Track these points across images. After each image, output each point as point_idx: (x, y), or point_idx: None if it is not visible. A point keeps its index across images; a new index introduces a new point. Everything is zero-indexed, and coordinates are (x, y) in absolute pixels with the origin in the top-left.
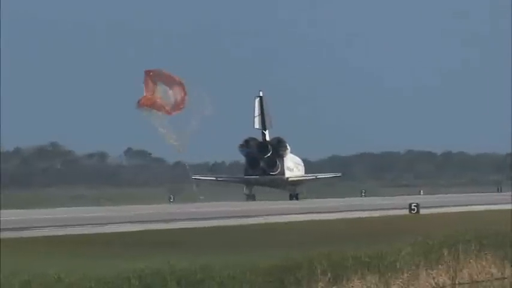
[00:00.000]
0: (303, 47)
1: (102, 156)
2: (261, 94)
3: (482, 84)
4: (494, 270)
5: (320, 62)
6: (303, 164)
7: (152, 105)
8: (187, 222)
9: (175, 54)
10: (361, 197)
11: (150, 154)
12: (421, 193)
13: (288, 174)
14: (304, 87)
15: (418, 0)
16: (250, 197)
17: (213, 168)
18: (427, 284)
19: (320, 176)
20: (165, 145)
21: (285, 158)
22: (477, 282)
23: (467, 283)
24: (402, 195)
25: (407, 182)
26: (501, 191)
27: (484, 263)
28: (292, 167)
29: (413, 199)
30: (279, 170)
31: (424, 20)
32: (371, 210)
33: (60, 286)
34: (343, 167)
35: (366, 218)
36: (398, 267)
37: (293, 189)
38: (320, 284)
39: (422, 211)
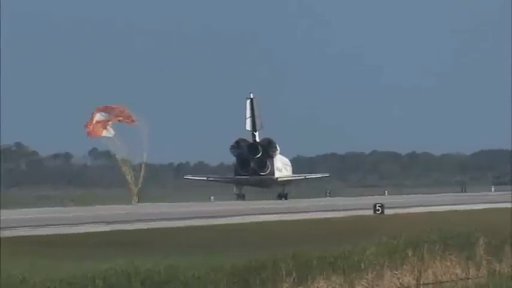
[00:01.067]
0: (297, 49)
1: (67, 156)
2: (251, 96)
3: (450, 86)
4: (458, 271)
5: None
6: (290, 164)
7: (102, 127)
8: (152, 223)
9: (168, 56)
10: (326, 197)
11: (115, 155)
12: (386, 193)
13: (277, 174)
14: (278, 87)
15: None
16: (240, 197)
17: (178, 169)
18: (391, 284)
19: (309, 176)
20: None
21: (274, 159)
22: (442, 282)
23: (431, 283)
24: (367, 195)
25: (372, 182)
26: (465, 191)
27: (448, 264)
28: (281, 167)
29: (377, 199)
30: (269, 170)
31: (411, 17)
32: (336, 210)
33: (25, 287)
34: (308, 168)
35: (331, 218)
36: (363, 267)
37: (282, 189)
38: (285, 284)
39: (387, 211)
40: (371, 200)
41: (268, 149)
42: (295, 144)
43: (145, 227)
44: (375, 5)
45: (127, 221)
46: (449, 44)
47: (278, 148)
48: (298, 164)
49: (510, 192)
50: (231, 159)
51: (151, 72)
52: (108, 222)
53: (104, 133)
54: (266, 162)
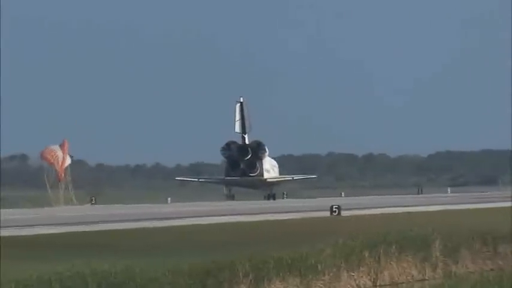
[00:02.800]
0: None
1: (23, 158)
2: (241, 100)
3: (405, 87)
4: (414, 272)
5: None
6: (277, 166)
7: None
8: (108, 225)
9: (159, 59)
10: (282, 199)
11: (72, 156)
12: (343, 195)
13: (266, 175)
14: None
15: None
16: (230, 197)
17: (134, 170)
18: (348, 285)
19: (296, 177)
20: (87, 147)
21: (263, 160)
22: (398, 283)
23: (388, 285)
24: (324, 197)
25: (328, 184)
26: (421, 193)
27: (404, 265)
28: (270, 168)
29: (334, 201)
30: (258, 171)
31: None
32: (293, 212)
33: None
34: None
35: (287, 220)
36: (319, 269)
37: (270, 190)
38: (242, 285)
39: (344, 213)
40: (328, 201)
41: (257, 151)
42: None
43: (102, 229)
44: (367, 4)
45: (83, 223)
46: (420, 48)
47: (267, 150)
48: None
49: (466, 193)
50: (187, 161)
51: (135, 74)
52: (65, 224)
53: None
54: (255, 164)
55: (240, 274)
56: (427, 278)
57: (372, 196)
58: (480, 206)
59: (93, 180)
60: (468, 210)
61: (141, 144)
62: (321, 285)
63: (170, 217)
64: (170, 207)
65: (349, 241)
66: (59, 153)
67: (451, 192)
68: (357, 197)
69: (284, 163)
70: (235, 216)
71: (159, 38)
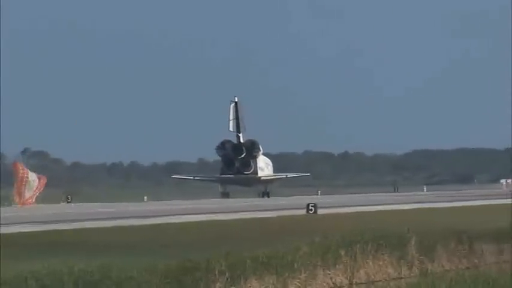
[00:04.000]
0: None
1: None
2: (236, 99)
3: (383, 87)
4: (391, 271)
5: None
6: (271, 164)
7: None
8: (84, 223)
9: (153, 59)
10: (258, 197)
11: (48, 155)
12: (319, 193)
13: (260, 173)
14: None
15: None
16: (225, 195)
17: (110, 169)
18: (324, 284)
19: (290, 175)
20: (63, 145)
21: (257, 159)
22: (374, 282)
23: (364, 283)
24: (300, 195)
25: (304, 182)
26: (398, 191)
27: (381, 263)
28: (264, 167)
29: (311, 199)
30: (252, 169)
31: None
32: (269, 210)
33: None
34: None
35: (264, 218)
36: (296, 267)
37: (264, 188)
38: (218, 284)
39: (320, 211)
40: (304, 199)
41: (251, 149)
42: None
43: (78, 227)
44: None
45: (59, 221)
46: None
47: (261, 149)
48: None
49: (441, 192)
50: (164, 159)
51: (115, 73)
52: (41, 222)
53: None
54: (250, 162)
55: (216, 272)
56: (403, 276)
57: (349, 194)
58: (456, 204)
59: (69, 179)
60: (444, 208)
61: (117, 142)
62: (297, 283)
63: (146, 215)
64: (146, 205)
65: (325, 239)
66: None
67: (427, 190)
68: (333, 195)
69: None
70: (211, 215)
71: (147, 36)
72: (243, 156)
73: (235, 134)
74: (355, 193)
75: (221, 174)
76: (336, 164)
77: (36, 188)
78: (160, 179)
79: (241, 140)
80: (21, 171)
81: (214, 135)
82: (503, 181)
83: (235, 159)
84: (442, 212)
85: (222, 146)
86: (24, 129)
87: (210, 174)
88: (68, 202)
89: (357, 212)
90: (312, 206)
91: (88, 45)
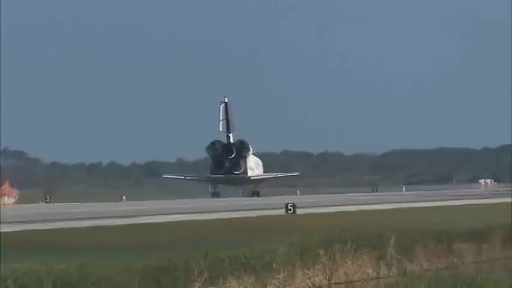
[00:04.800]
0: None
1: None
2: (226, 100)
3: (356, 88)
4: (370, 270)
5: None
6: (262, 164)
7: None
8: (63, 223)
9: (136, 59)
10: (238, 197)
11: (25, 154)
12: (298, 193)
13: (250, 173)
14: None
15: None
16: (215, 195)
17: (90, 168)
18: (303, 283)
19: (280, 175)
20: (42, 145)
21: (247, 159)
22: (353, 281)
23: (343, 283)
24: (279, 195)
25: (283, 182)
26: (377, 191)
27: (360, 263)
28: (254, 166)
29: (289, 199)
30: (242, 169)
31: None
32: (248, 210)
33: None
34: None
35: (243, 218)
36: (274, 267)
37: (254, 187)
38: (197, 284)
39: (299, 211)
40: (283, 199)
41: (241, 149)
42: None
43: (56, 227)
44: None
45: (37, 221)
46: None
47: (251, 149)
48: (205, 164)
49: (420, 191)
50: (143, 159)
51: (94, 73)
52: (19, 222)
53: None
54: (240, 162)
55: (195, 272)
56: (382, 276)
57: (327, 194)
58: (434, 204)
59: (48, 179)
60: (423, 208)
61: (96, 142)
62: (276, 283)
63: (125, 215)
64: (125, 205)
65: (304, 239)
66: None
67: (406, 190)
68: (312, 195)
69: None
70: (190, 215)
71: (136, 35)
72: (233, 156)
73: (224, 134)
74: (334, 193)
75: (211, 174)
76: (315, 164)
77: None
78: (140, 178)
79: (231, 140)
80: None
81: (194, 136)
82: (481, 181)
83: (225, 159)
84: (421, 211)
85: (212, 146)
86: (1, 129)
87: (200, 175)
88: (47, 202)
89: (336, 212)
90: (290, 206)
91: (69, 44)
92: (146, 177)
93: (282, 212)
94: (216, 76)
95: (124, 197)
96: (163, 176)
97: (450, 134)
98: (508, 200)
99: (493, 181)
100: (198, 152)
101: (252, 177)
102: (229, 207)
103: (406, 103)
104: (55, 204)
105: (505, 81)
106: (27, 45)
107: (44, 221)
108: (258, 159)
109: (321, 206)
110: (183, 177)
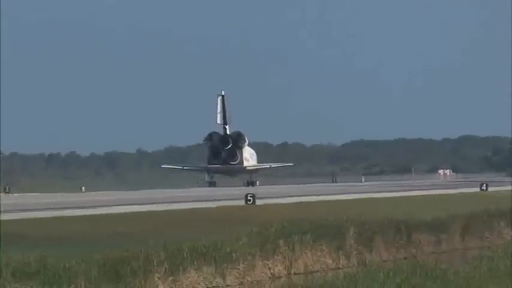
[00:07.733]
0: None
1: None
2: (223, 93)
3: (316, 79)
4: (329, 261)
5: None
6: (256, 155)
7: None
8: (22, 213)
9: (145, 57)
10: (198, 187)
11: None
12: (257, 184)
13: (245, 163)
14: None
15: None
16: (212, 184)
17: (49, 159)
18: (263, 274)
19: (274, 165)
20: (1, 136)
21: (243, 150)
22: (312, 272)
23: (302, 273)
24: (238, 186)
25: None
26: (336, 182)
27: (319, 254)
28: (249, 157)
29: (249, 190)
30: (238, 160)
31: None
32: (208, 201)
33: None
34: (180, 158)
35: (202, 208)
36: (234, 257)
37: (249, 177)
38: (156, 274)
39: (258, 202)
40: (243, 190)
41: (237, 140)
42: (167, 134)
43: (15, 218)
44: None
45: None
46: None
47: (246, 140)
48: (169, 155)
49: (380, 182)
50: (101, 150)
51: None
52: None
53: None
54: (236, 153)
55: (155, 263)
56: (341, 266)
57: (287, 185)
58: (394, 194)
59: (7, 169)
60: (382, 198)
61: (55, 132)
62: (236, 274)
63: (84, 206)
64: (84, 196)
65: (264, 230)
66: None
67: (366, 180)
68: (271, 186)
69: (196, 151)
70: (150, 205)
71: (124, 32)
72: (229, 147)
73: (221, 126)
74: (294, 184)
75: (208, 164)
76: (274, 155)
77: None
78: (99, 169)
79: (228, 132)
80: None
81: (153, 127)
82: (440, 171)
83: (222, 150)
84: (381, 202)
85: (210, 137)
86: None
87: (196, 164)
88: (6, 193)
89: (296, 203)
90: (250, 197)
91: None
92: (105, 168)
93: (242, 202)
94: (211, 70)
95: (83, 188)
96: (162, 166)
97: (410, 125)
98: (467, 190)
99: (451, 171)
100: (158, 143)
101: (247, 167)
102: (188, 198)
103: (364, 94)
104: (14, 194)
105: (465, 72)
106: None
107: (3, 211)
108: (252, 150)
109: (280, 197)
110: (181, 167)
